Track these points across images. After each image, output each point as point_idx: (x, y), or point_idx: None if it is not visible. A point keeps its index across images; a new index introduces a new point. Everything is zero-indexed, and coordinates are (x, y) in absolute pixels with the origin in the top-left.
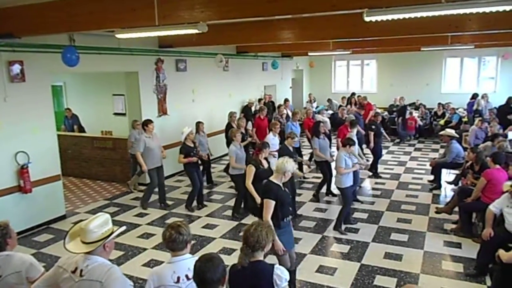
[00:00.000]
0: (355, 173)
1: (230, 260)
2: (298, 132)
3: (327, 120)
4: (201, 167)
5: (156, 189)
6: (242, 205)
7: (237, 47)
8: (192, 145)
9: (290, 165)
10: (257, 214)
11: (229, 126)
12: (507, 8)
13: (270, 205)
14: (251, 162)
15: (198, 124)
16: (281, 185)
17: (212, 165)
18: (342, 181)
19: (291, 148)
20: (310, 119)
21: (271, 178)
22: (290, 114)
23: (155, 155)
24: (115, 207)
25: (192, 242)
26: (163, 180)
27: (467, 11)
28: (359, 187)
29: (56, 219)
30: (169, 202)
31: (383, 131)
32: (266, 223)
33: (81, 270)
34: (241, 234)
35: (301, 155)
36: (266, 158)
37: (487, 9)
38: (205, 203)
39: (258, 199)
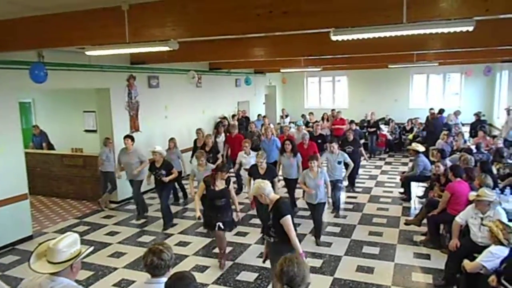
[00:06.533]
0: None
1: (203, 278)
2: (270, 150)
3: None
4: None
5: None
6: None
7: (210, 64)
8: (158, 165)
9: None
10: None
11: (195, 142)
12: (464, 29)
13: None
14: (204, 179)
15: (169, 141)
16: None
17: (184, 182)
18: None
19: (260, 170)
20: (283, 136)
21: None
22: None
23: (127, 169)
24: (85, 226)
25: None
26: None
27: (427, 31)
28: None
29: (22, 240)
30: (142, 220)
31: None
32: (295, 255)
33: None
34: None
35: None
36: (227, 179)
37: (445, 30)
38: (175, 221)
39: (197, 213)
